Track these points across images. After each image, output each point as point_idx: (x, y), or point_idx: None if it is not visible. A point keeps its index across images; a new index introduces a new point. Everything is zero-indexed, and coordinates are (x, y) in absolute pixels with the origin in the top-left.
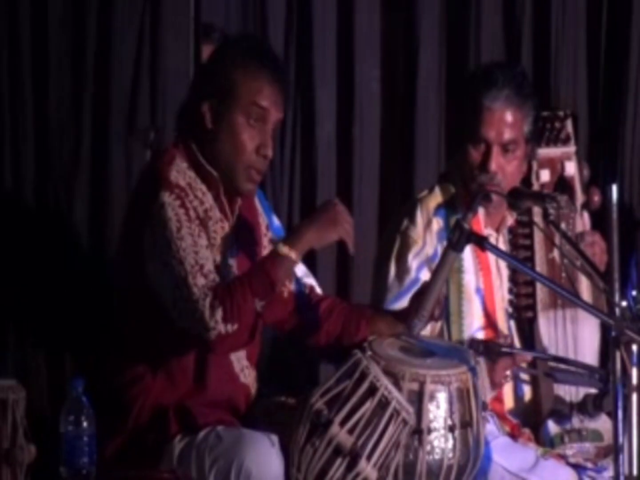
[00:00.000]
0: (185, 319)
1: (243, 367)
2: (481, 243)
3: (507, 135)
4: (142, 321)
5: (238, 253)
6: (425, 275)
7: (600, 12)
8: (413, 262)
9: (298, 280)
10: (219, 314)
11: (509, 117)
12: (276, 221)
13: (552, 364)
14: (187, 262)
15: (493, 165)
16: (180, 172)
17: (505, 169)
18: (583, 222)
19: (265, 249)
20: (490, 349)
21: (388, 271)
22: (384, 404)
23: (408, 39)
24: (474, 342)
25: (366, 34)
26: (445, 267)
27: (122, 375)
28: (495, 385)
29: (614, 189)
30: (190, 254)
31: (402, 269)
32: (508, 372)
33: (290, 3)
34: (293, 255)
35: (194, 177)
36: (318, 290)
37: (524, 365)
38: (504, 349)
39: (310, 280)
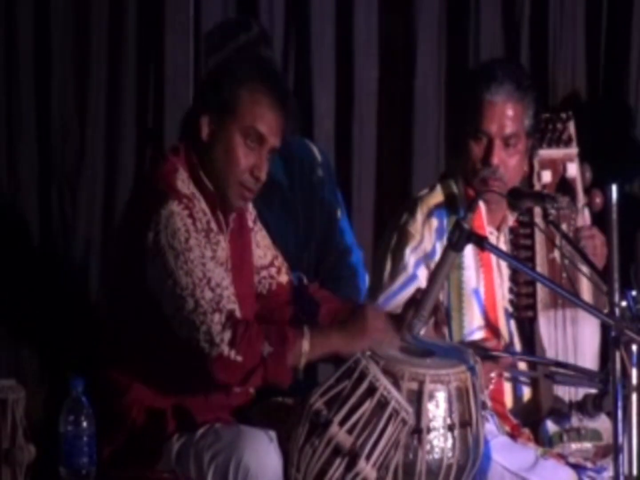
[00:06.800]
0: (186, 329)
1: None
2: (481, 243)
3: (509, 128)
4: (137, 322)
5: (232, 267)
6: (422, 272)
7: (600, 11)
8: (410, 257)
9: (289, 274)
10: (227, 335)
11: (510, 110)
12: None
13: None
14: (194, 274)
15: (495, 159)
16: (184, 182)
17: (507, 163)
18: (584, 218)
19: (259, 247)
20: (477, 351)
21: (385, 267)
22: (383, 403)
23: (407, 39)
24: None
25: (365, 34)
26: (445, 267)
27: (119, 375)
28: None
29: (614, 189)
30: (198, 266)
31: (400, 265)
32: (493, 375)
33: (289, 3)
34: (306, 347)
35: (194, 188)
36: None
37: (523, 368)
38: (494, 353)
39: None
